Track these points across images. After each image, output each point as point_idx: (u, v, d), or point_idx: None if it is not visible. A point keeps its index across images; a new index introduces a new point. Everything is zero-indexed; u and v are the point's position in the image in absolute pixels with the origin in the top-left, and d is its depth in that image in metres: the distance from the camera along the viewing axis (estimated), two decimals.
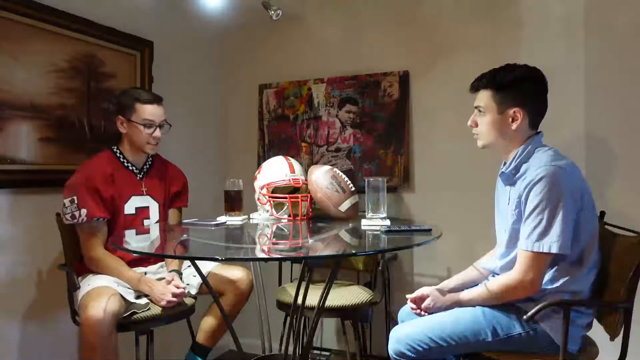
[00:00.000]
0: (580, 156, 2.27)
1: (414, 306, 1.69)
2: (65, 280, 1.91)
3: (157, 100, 2.09)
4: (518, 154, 1.58)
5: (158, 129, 2.06)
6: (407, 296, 1.73)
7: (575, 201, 1.47)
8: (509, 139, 1.60)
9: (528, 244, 1.47)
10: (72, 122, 2.21)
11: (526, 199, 1.49)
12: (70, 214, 1.90)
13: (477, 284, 1.74)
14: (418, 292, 1.70)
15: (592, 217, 1.53)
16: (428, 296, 1.65)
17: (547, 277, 1.51)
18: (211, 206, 2.54)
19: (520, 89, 1.57)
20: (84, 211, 1.90)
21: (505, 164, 1.65)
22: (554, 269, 1.51)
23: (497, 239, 1.72)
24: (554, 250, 1.44)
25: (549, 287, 1.51)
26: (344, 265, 2.55)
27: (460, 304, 1.60)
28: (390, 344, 1.58)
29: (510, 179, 1.61)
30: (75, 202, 1.90)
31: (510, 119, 1.58)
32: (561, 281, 1.50)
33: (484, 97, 1.61)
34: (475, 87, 1.65)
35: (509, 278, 1.52)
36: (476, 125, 1.66)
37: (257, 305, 2.83)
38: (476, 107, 1.65)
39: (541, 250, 1.45)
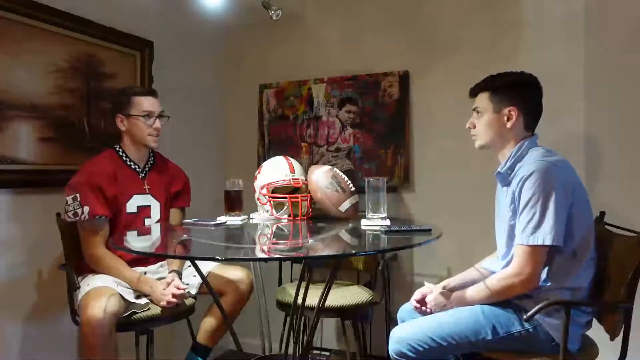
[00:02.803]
0: (579, 156, 2.27)
1: (418, 305, 1.71)
2: (65, 280, 1.91)
3: (152, 93, 2.13)
4: (513, 154, 1.63)
5: (157, 120, 2.08)
6: (413, 298, 1.74)
7: (567, 195, 1.49)
8: (504, 138, 1.65)
9: (523, 238, 1.50)
10: (72, 122, 2.21)
11: (519, 194, 1.53)
12: (72, 212, 1.90)
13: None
14: (419, 293, 1.72)
15: (585, 211, 1.55)
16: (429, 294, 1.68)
17: (545, 273, 1.52)
18: (211, 206, 2.54)
19: (516, 91, 1.64)
20: (86, 209, 1.90)
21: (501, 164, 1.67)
22: (551, 265, 1.52)
23: (497, 241, 1.72)
24: (548, 242, 1.46)
25: (548, 283, 1.52)
26: (344, 265, 2.55)
27: (462, 304, 1.61)
28: (390, 344, 1.58)
29: (506, 179, 1.65)
30: (78, 199, 1.90)
31: (506, 118, 1.64)
32: (559, 277, 1.52)
33: (482, 99, 1.69)
34: (474, 91, 1.72)
35: (507, 273, 1.53)
36: (474, 127, 1.72)
37: (257, 305, 2.83)
38: (474, 109, 1.71)
39: (536, 243, 1.48)
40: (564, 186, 1.49)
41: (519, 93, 1.64)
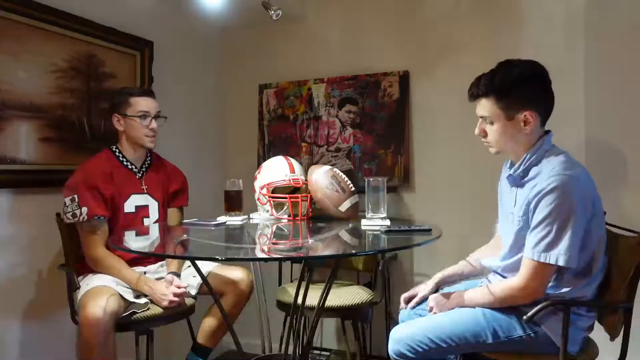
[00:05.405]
0: (580, 156, 2.25)
1: (404, 305, 1.76)
2: (65, 280, 1.91)
3: (149, 93, 2.12)
4: (528, 157, 1.52)
5: (154, 120, 2.07)
6: (403, 296, 1.79)
7: (586, 210, 1.43)
8: (521, 142, 1.53)
9: (534, 253, 1.44)
10: (72, 122, 2.21)
11: (535, 208, 1.44)
12: (71, 213, 1.90)
13: (469, 278, 1.80)
14: (411, 292, 1.79)
15: (601, 224, 1.51)
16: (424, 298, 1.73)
17: (551, 283, 1.49)
18: (211, 206, 2.54)
19: (525, 91, 1.49)
20: (84, 209, 1.90)
21: (511, 164, 1.61)
22: (558, 277, 1.49)
23: (502, 239, 1.69)
24: (561, 263, 1.41)
25: (552, 292, 1.49)
26: (344, 265, 2.55)
27: (462, 304, 1.60)
28: (390, 344, 1.58)
29: (517, 181, 1.57)
30: (76, 200, 1.90)
31: (522, 123, 1.50)
32: (565, 289, 1.49)
33: (487, 106, 1.53)
34: (475, 94, 1.55)
35: (512, 283, 1.50)
36: (484, 133, 1.58)
37: (257, 305, 2.83)
38: (481, 117, 1.57)
39: (547, 261, 1.42)
40: (584, 202, 1.42)
41: (528, 92, 1.49)
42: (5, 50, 1.96)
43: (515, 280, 1.49)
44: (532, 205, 1.46)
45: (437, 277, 1.80)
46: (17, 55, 2.00)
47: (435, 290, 1.78)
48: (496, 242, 1.82)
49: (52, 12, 2.10)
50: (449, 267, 1.83)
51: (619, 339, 1.52)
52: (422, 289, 1.79)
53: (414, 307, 1.76)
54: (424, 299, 1.75)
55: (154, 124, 2.07)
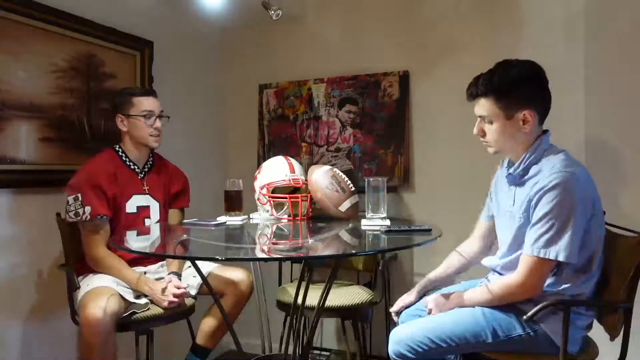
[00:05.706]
0: (580, 156, 2.26)
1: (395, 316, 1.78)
2: (65, 280, 1.91)
3: (152, 93, 2.13)
4: (527, 156, 1.54)
5: (158, 120, 2.08)
6: (391, 310, 1.81)
7: (586, 209, 1.45)
8: (520, 141, 1.55)
9: (534, 249, 1.45)
10: (72, 122, 2.21)
11: (536, 204, 1.45)
12: (74, 212, 1.90)
13: (459, 273, 1.81)
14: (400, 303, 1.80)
15: (601, 223, 1.52)
16: (409, 303, 1.77)
17: (550, 280, 1.50)
18: (211, 206, 2.54)
19: (524, 90, 1.51)
20: (88, 209, 1.90)
21: (510, 163, 1.62)
22: (558, 274, 1.50)
23: (500, 238, 1.70)
24: (561, 258, 1.42)
25: (551, 289, 1.50)
26: (344, 265, 2.55)
27: (462, 304, 1.60)
28: (389, 345, 1.58)
29: (517, 180, 1.57)
30: (80, 199, 1.90)
31: (521, 122, 1.51)
32: (564, 286, 1.49)
33: (486, 106, 1.54)
34: (473, 94, 1.57)
35: (510, 280, 1.51)
36: (483, 133, 1.59)
37: (257, 305, 2.83)
38: (479, 117, 1.59)
39: (547, 257, 1.43)
40: (584, 201, 1.43)
41: (527, 92, 1.51)
42: (5, 50, 1.96)
43: (513, 277, 1.50)
44: (533, 202, 1.47)
45: (421, 284, 1.81)
46: (17, 55, 2.01)
47: (422, 296, 1.79)
48: (478, 232, 1.84)
49: (52, 12, 2.10)
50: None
51: (619, 339, 1.52)
52: (406, 297, 1.81)
53: (398, 312, 1.79)
54: (408, 306, 1.78)
55: (158, 123, 2.08)
